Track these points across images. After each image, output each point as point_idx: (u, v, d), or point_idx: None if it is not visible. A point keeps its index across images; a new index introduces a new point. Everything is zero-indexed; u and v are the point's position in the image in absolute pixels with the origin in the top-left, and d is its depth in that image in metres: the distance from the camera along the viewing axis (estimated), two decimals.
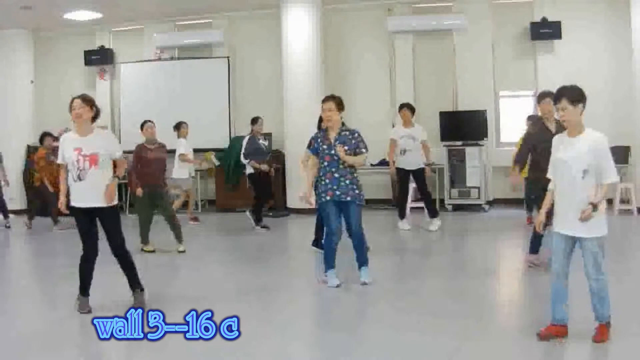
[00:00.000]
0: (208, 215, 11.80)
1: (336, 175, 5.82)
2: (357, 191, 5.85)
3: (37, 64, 13.50)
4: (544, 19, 11.19)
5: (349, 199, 5.81)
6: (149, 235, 8.05)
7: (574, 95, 4.13)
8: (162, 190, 8.05)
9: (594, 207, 4.02)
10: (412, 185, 9.44)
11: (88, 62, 13.49)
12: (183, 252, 7.90)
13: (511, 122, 11.37)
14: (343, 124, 6.02)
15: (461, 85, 11.83)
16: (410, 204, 10.02)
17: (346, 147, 5.79)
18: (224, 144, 12.22)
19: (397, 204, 9.63)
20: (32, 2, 10.92)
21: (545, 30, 11.15)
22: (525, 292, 6.05)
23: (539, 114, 6.60)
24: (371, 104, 12.13)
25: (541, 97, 6.41)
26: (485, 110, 11.33)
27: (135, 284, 5.28)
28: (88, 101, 5.17)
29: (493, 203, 11.38)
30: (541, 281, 5.78)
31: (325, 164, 5.88)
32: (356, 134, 5.91)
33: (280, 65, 11.59)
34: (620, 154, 10.63)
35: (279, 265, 7.49)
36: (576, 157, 4.12)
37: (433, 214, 9.22)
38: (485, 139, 11.23)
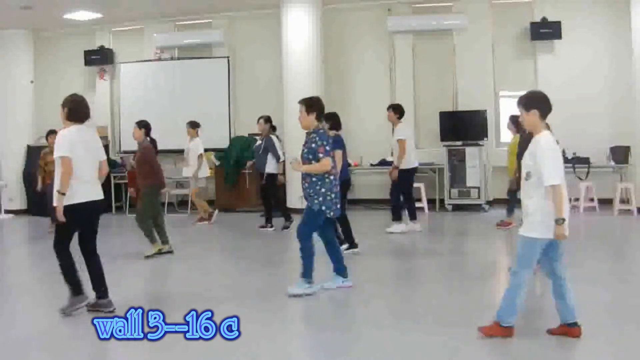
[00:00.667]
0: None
1: (302, 177, 5.74)
2: (313, 195, 5.58)
3: (37, 64, 13.49)
4: (544, 19, 11.19)
5: (307, 202, 5.72)
6: (154, 235, 7.74)
7: (526, 101, 4.20)
8: (144, 191, 7.74)
9: (557, 221, 3.98)
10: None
11: (88, 62, 13.46)
12: (172, 252, 7.78)
13: None
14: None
15: (461, 85, 11.83)
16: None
17: (305, 150, 5.65)
18: (224, 144, 12.22)
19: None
20: (32, 2, 10.91)
21: (545, 30, 11.14)
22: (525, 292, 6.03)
23: None
24: (371, 103, 12.11)
25: None
26: (485, 110, 11.33)
27: (95, 287, 5.15)
28: (63, 102, 5.10)
29: (493, 203, 11.37)
30: (541, 281, 5.78)
31: None
32: (317, 138, 5.52)
33: (280, 65, 11.58)
34: (620, 154, 10.63)
35: (279, 266, 7.47)
36: (524, 159, 4.21)
37: (394, 217, 8.97)
38: (485, 139, 11.23)
